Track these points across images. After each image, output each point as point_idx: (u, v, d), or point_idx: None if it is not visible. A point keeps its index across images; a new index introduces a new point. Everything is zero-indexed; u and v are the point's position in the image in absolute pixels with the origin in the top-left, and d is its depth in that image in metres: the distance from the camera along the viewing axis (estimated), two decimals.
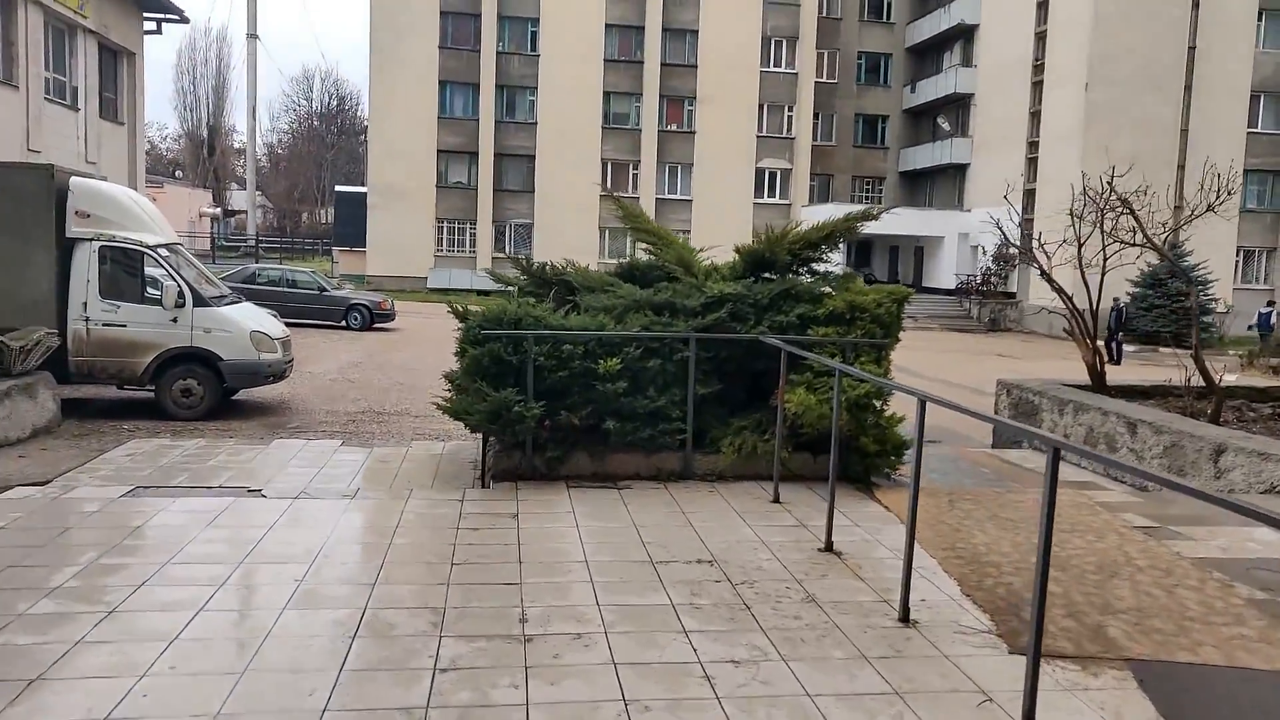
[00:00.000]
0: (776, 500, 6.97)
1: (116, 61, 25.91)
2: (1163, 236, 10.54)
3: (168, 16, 27.13)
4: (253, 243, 61.90)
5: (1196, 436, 8.40)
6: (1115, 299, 31.51)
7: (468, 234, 44.35)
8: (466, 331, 6.97)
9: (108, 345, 11.88)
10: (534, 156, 44.16)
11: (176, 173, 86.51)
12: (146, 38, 26.97)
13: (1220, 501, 3.00)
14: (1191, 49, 34.11)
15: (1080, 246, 10.73)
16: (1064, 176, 34.61)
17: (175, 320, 12.08)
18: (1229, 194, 10.23)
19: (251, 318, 13.24)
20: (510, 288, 8.11)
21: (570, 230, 42.90)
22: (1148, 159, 33.63)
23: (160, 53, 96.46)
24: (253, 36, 68.36)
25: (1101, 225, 10.32)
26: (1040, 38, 36.88)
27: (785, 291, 7.17)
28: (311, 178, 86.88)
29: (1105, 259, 10.59)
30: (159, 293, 12.16)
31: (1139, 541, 6.49)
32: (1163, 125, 34.13)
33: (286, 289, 26.86)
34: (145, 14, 26.58)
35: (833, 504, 5.98)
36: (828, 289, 7.35)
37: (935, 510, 6.78)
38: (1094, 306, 10.96)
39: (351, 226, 47.17)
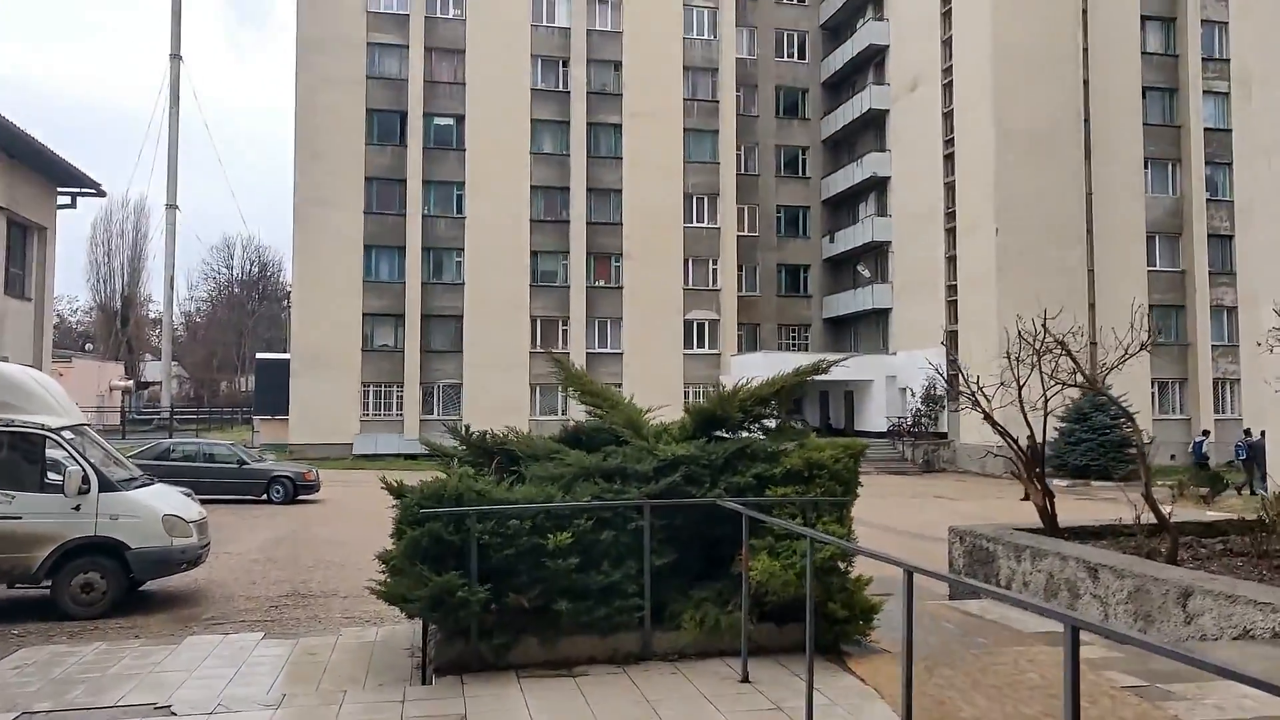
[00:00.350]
0: (745, 679, 6.40)
1: (26, 237, 25.19)
2: (1102, 375, 10.53)
3: (83, 190, 26.66)
4: (167, 415, 60.01)
5: (1160, 580, 8.12)
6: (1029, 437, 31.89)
7: (395, 397, 43.66)
8: (404, 510, 6.43)
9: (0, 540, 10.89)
10: (462, 317, 44.17)
11: (87, 346, 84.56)
12: (60, 212, 26.45)
13: (1238, 677, 2.64)
14: (1089, 194, 36.10)
15: (1020, 388, 10.71)
16: (984, 318, 35.91)
17: (78, 508, 11.17)
18: (1158, 332, 10.40)
19: (163, 500, 12.37)
20: (446, 458, 7.62)
21: (500, 389, 42.62)
22: (1061, 299, 34.75)
23: (73, 225, 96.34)
24: (172, 207, 68.43)
25: (1040, 367, 10.30)
26: (949, 187, 38.74)
27: (740, 451, 6.83)
28: (231, 345, 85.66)
29: (1046, 400, 10.56)
30: (61, 478, 11.30)
31: (1134, 705, 6.05)
32: (1071, 267, 35.67)
33: (203, 464, 25.69)
34: (60, 189, 26.08)
35: (811, 685, 5.44)
36: (783, 446, 7.03)
37: (914, 681, 6.27)
38: (1040, 448, 10.84)
39: (273, 394, 46.14)
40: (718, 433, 7.27)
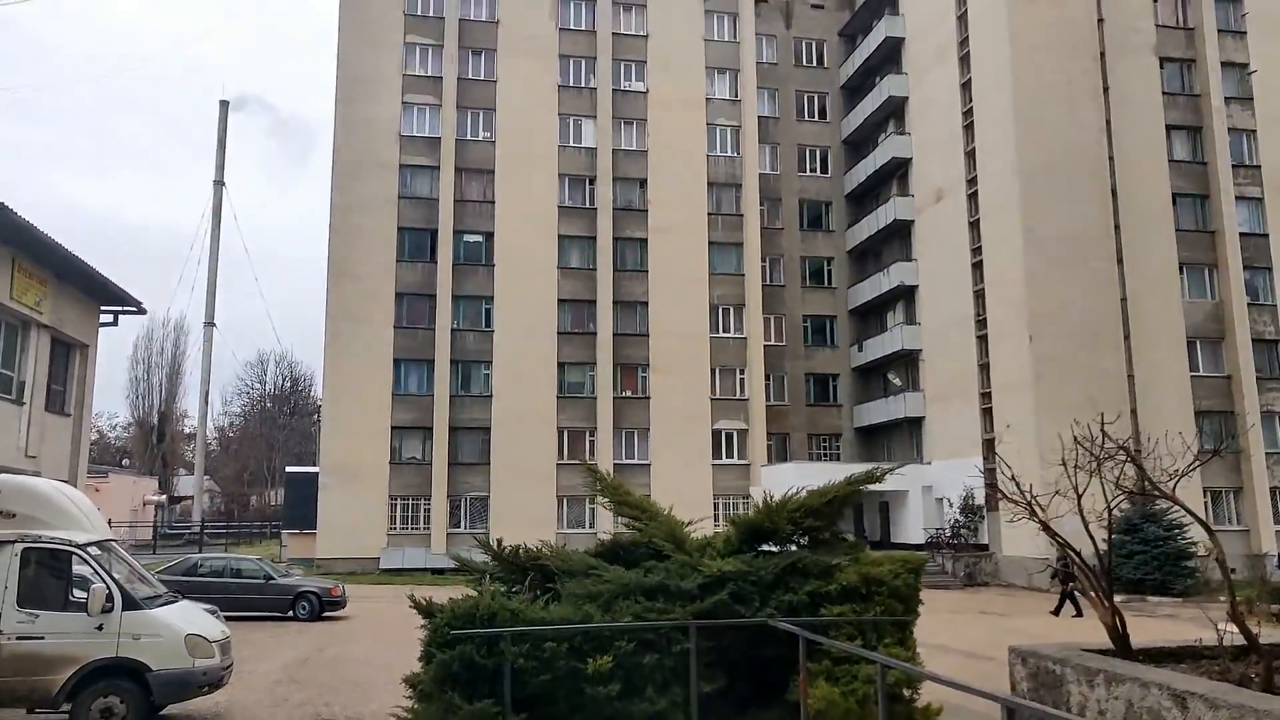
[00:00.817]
0: None
1: (68, 354, 25.50)
2: (1169, 484, 10.01)
3: (125, 309, 27.08)
4: (198, 530, 59.82)
5: (1263, 711, 7.41)
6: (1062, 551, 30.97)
7: (422, 510, 43.22)
8: (433, 631, 6.06)
9: (21, 662, 10.51)
10: (489, 429, 44.03)
11: (124, 461, 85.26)
12: (101, 330, 26.80)
13: None
14: (1124, 300, 35.78)
15: (1080, 497, 10.22)
16: (1021, 425, 35.23)
17: (100, 627, 10.81)
18: (1232, 439, 9.90)
19: (187, 619, 11.99)
20: (477, 574, 7.26)
21: (527, 501, 42.14)
22: (1100, 405, 34.15)
23: (114, 343, 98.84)
24: (210, 325, 69.84)
25: (1101, 474, 9.82)
26: (979, 295, 38.60)
27: (791, 566, 6.43)
28: (262, 459, 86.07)
29: (1110, 510, 10.04)
30: (86, 595, 10.98)
31: None
32: (1109, 373, 35.09)
33: (230, 579, 25.31)
34: (102, 307, 26.50)
35: None
36: (837, 561, 6.61)
37: None
38: (1107, 561, 10.26)
39: (301, 508, 45.83)
40: (765, 546, 6.87)
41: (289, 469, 59.91)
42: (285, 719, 12.33)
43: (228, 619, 22.76)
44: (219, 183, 68.68)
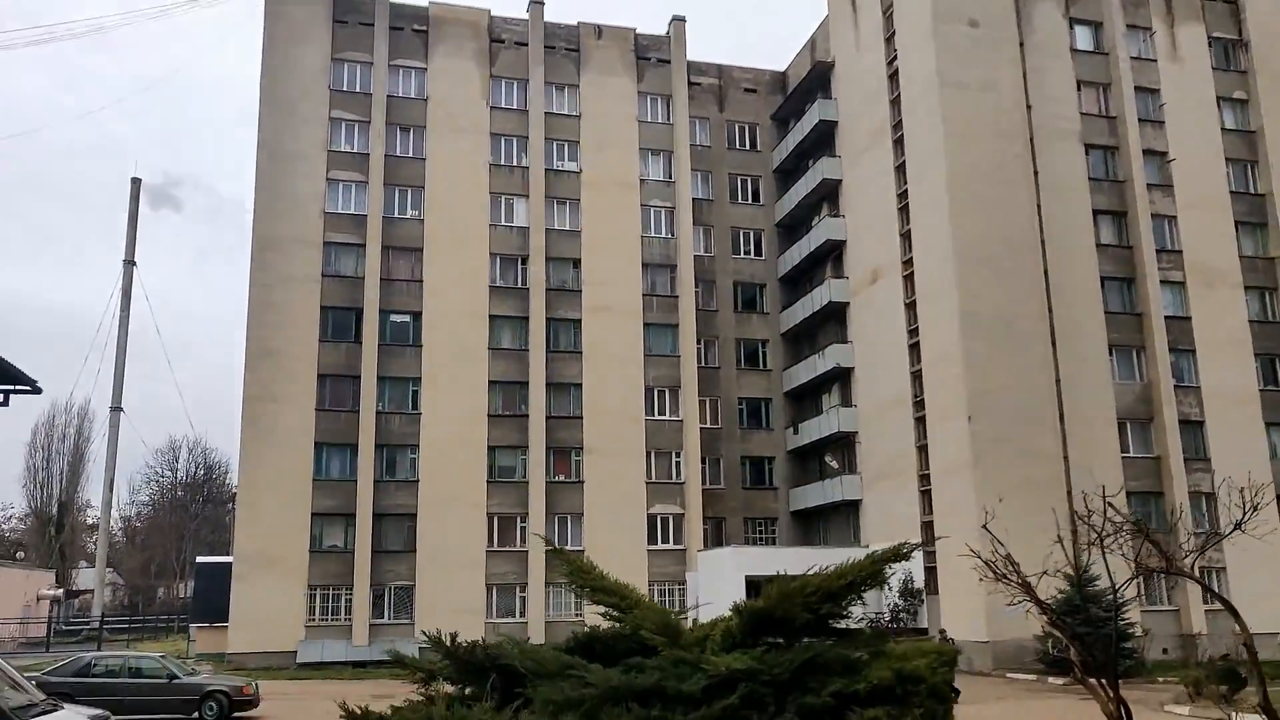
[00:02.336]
0: None
1: None
2: (1188, 561, 9.18)
3: (17, 388, 25.01)
4: (97, 625, 55.82)
5: None
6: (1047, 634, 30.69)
7: (343, 600, 40.73)
8: None
9: None
10: (415, 515, 42.03)
11: (18, 554, 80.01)
12: None
13: None
14: (1057, 381, 35.96)
15: (1080, 575, 9.34)
16: (960, 508, 34.75)
17: None
18: (1254, 508, 9.17)
19: None
20: (424, 676, 6.00)
21: (455, 590, 40.09)
22: (1038, 486, 34.12)
23: (10, 428, 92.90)
24: (117, 409, 66.58)
25: (1120, 552, 8.96)
26: (916, 376, 38.45)
27: (810, 662, 5.32)
28: (171, 550, 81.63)
29: (1115, 590, 9.18)
30: None
31: None
32: (1046, 454, 35.01)
33: (128, 679, 22.95)
34: None
35: None
36: (862, 654, 5.53)
37: None
38: (1113, 646, 9.34)
39: (212, 600, 42.99)
40: (771, 638, 5.78)
41: (199, 559, 56.51)
42: None
43: None
44: (129, 262, 66.26)
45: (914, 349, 38.77)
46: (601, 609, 6.35)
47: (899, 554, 6.18)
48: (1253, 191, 41.68)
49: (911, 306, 39.19)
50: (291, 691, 29.64)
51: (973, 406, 35.03)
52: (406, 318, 44.22)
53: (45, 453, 78.16)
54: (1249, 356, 39.33)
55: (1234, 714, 9.55)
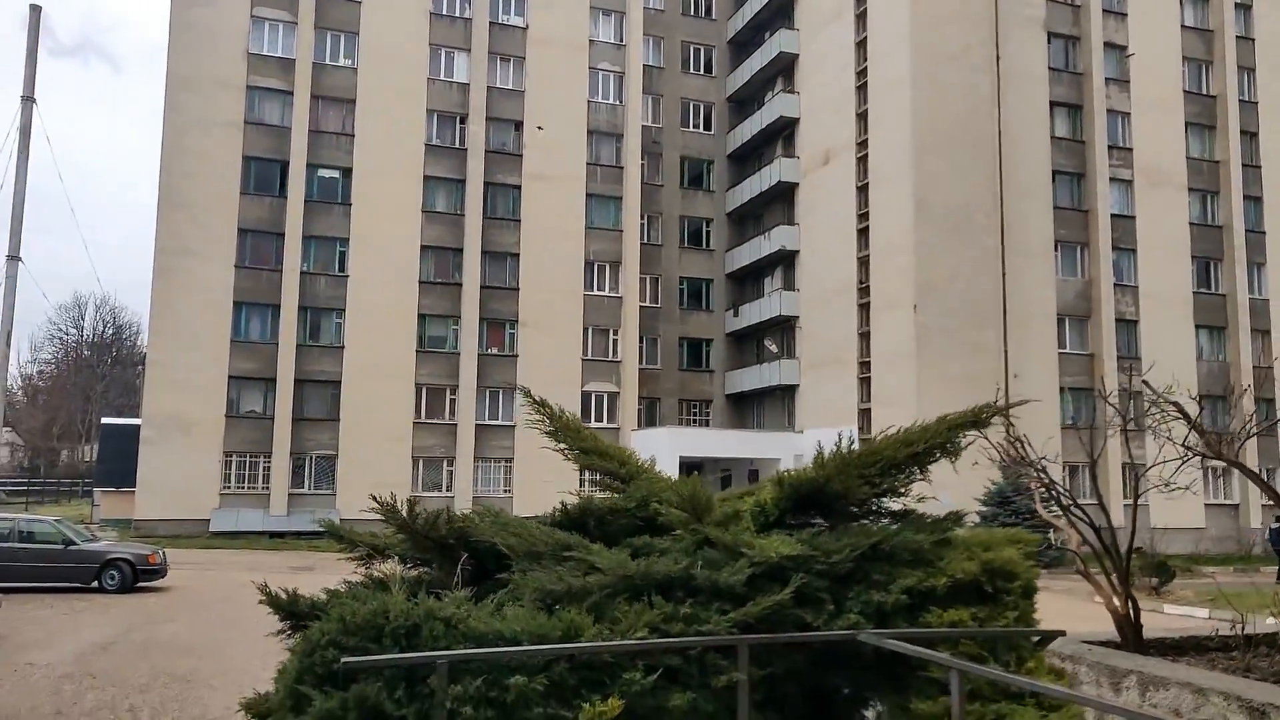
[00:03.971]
0: None
1: None
2: (1236, 447, 8.36)
3: None
4: None
5: None
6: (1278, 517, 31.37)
7: (260, 468, 39.31)
8: (309, 654, 3.61)
9: None
10: (340, 383, 40.42)
11: None
12: None
13: None
14: (1004, 274, 35.54)
15: (1094, 463, 8.56)
16: (900, 397, 34.59)
17: None
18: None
19: None
20: (369, 554, 4.81)
21: (380, 462, 38.90)
22: (977, 379, 33.96)
23: None
24: (14, 258, 62.47)
25: (1170, 437, 8.09)
26: (863, 263, 37.68)
27: (875, 548, 4.25)
28: (76, 411, 78.36)
29: (1138, 478, 8.39)
30: None
31: None
32: (987, 348, 34.82)
33: (18, 544, 21.19)
34: None
35: None
36: (930, 540, 4.46)
37: None
38: (1129, 540, 8.60)
39: (119, 464, 41.23)
40: (816, 519, 4.68)
41: (105, 420, 54.31)
42: None
43: (16, 592, 19.19)
44: (27, 98, 61.04)
45: (863, 234, 37.87)
46: (593, 475, 5.21)
47: (978, 418, 5.11)
48: (1205, 92, 41.18)
49: (863, 191, 38.11)
50: (203, 561, 28.46)
51: (919, 296, 34.49)
52: (336, 173, 41.63)
53: None
54: (1186, 258, 39.49)
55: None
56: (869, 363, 37.11)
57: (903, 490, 4.74)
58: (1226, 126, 40.64)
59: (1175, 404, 7.87)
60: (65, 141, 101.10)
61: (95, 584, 21.14)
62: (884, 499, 4.76)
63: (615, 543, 4.46)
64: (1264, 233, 40.81)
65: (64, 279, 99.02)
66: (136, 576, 21.40)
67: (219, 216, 39.52)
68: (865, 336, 37.43)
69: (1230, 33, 41.12)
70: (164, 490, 37.08)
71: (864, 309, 37.58)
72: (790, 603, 3.91)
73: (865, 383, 37.26)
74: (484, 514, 4.56)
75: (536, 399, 5.33)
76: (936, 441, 4.78)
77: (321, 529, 5.77)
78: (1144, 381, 8.61)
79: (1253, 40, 41.79)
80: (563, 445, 5.28)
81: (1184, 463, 7.63)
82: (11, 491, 61.28)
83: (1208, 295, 39.72)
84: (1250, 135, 41.21)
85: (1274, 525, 28.88)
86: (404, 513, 4.36)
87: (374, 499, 4.43)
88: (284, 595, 4.27)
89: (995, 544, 4.41)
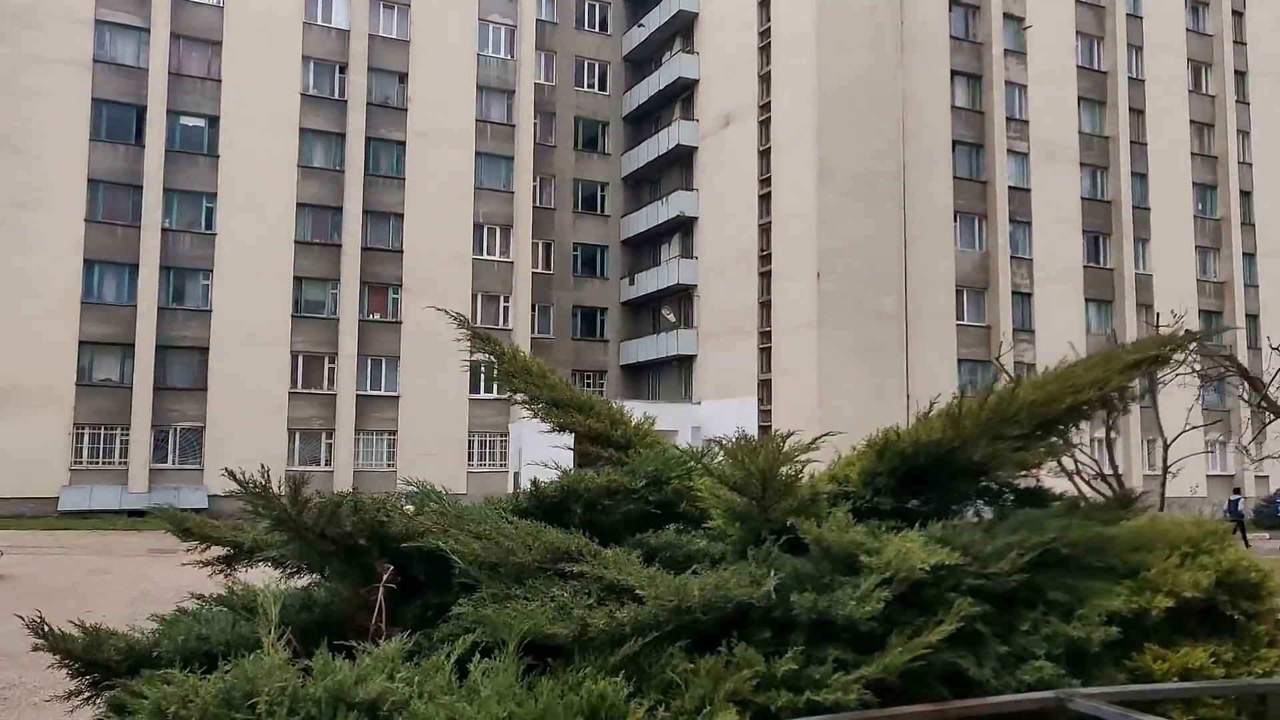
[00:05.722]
0: None
1: None
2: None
3: None
4: None
5: None
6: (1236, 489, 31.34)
7: (117, 442, 35.89)
8: None
9: None
10: (207, 349, 37.22)
11: None
12: None
13: None
14: (905, 244, 35.11)
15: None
16: (801, 366, 33.85)
17: None
18: None
19: None
20: (232, 555, 3.15)
21: (253, 434, 35.92)
22: (878, 348, 33.68)
23: None
24: None
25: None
26: (764, 229, 36.68)
27: (1049, 550, 2.74)
28: None
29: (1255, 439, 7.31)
30: None
31: None
32: (887, 316, 34.36)
33: None
34: None
35: None
36: (1108, 532, 2.97)
37: None
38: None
39: None
40: (918, 496, 3.13)
41: None
42: None
43: None
44: None
45: (764, 200, 36.85)
46: (587, 445, 3.57)
47: (1159, 355, 3.58)
48: (1096, 68, 41.70)
49: (765, 155, 37.04)
50: (47, 544, 25.55)
51: (822, 264, 33.71)
52: (201, 122, 38.15)
53: None
54: (1077, 232, 40.02)
55: None
56: (769, 332, 36.23)
57: (1052, 458, 3.30)
58: (1116, 103, 41.23)
59: (1231, 359, 6.73)
60: None
61: None
62: (1027, 471, 3.27)
63: (616, 540, 2.90)
64: (1149, 209, 41.70)
65: None
66: None
67: (64, 165, 35.67)
68: (766, 305, 36.51)
69: (1121, 9, 41.65)
70: (3, 465, 33.38)
71: (765, 277, 36.63)
72: (941, 643, 2.41)
73: (765, 353, 36.38)
74: (418, 498, 2.92)
75: (479, 332, 3.67)
76: (1109, 386, 3.26)
77: (173, 510, 4.00)
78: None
79: (1141, 18, 42.47)
80: (519, 396, 3.63)
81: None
82: None
83: (1097, 269, 40.38)
84: (1138, 112, 41.94)
85: (1233, 498, 30.31)
86: (283, 498, 2.69)
87: (233, 476, 2.74)
88: (79, 632, 2.58)
89: (1207, 541, 3.01)
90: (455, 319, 3.78)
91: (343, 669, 1.99)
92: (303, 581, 3.64)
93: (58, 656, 2.68)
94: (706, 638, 2.26)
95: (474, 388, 40.99)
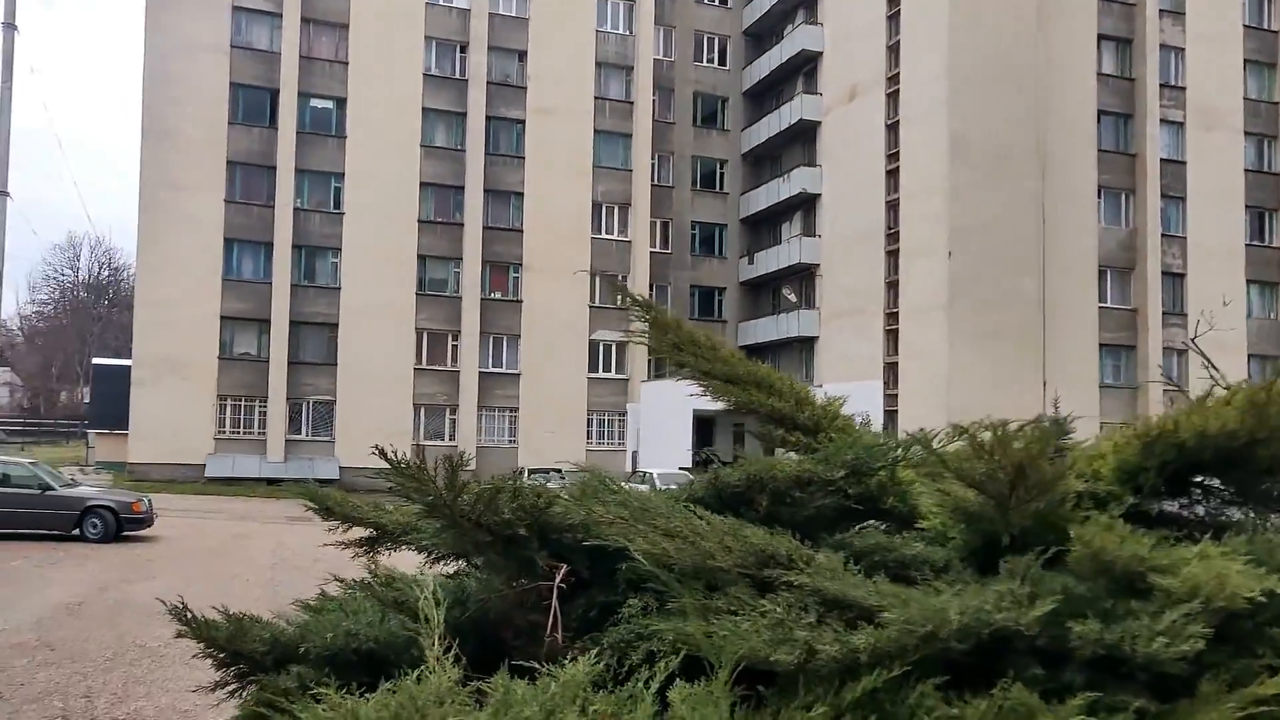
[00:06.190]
0: None
1: None
2: None
3: None
4: None
5: None
6: None
7: (256, 413, 37.38)
8: None
9: None
10: (337, 325, 38.32)
11: None
12: None
13: None
14: (1044, 221, 33.33)
15: None
16: (930, 350, 32.59)
17: None
18: None
19: None
20: (365, 538, 2.86)
21: (380, 409, 36.98)
22: (1014, 333, 32.12)
23: None
24: (1, 194, 60.10)
25: None
26: (892, 206, 35.39)
27: None
28: (74, 353, 76.79)
29: None
30: None
31: None
32: (1024, 299, 32.68)
33: None
34: None
35: None
36: None
37: None
38: None
39: (112, 406, 39.45)
40: (1164, 503, 2.58)
41: (96, 361, 52.39)
42: None
43: None
44: (9, 25, 58.21)
45: (892, 176, 35.53)
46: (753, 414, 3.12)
47: None
48: (1266, 27, 38.49)
49: (893, 129, 35.68)
50: (196, 508, 26.76)
51: (954, 242, 32.28)
52: (329, 104, 39.16)
53: None
54: (1239, 208, 37.19)
55: None
56: (896, 314, 35.00)
57: None
58: None
59: None
60: (53, 76, 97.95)
61: (76, 532, 19.40)
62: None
63: (810, 537, 2.47)
64: None
65: (56, 219, 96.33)
66: (120, 525, 19.74)
67: (207, 147, 37.19)
68: (893, 286, 35.28)
69: None
70: (157, 434, 35.30)
71: (892, 256, 35.38)
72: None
73: (892, 335, 35.19)
74: (591, 487, 2.55)
75: (639, 298, 3.29)
76: None
77: (316, 481, 3.80)
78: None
79: None
80: (684, 369, 3.22)
81: None
82: (11, 431, 59.79)
83: (1261, 248, 37.49)
84: None
85: None
86: (438, 481, 2.36)
87: (383, 454, 2.43)
88: (223, 620, 2.33)
89: None
90: (615, 286, 3.43)
91: (525, 699, 1.64)
92: (448, 568, 3.35)
93: (201, 645, 2.43)
94: (957, 671, 1.81)
95: (592, 366, 41.18)
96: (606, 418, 41.03)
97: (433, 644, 1.81)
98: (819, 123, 40.61)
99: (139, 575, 15.62)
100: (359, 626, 2.52)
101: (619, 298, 41.29)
